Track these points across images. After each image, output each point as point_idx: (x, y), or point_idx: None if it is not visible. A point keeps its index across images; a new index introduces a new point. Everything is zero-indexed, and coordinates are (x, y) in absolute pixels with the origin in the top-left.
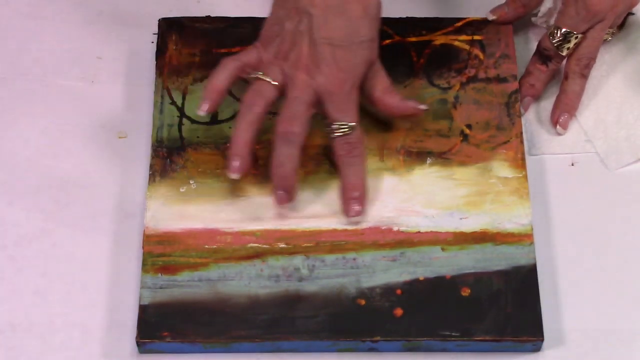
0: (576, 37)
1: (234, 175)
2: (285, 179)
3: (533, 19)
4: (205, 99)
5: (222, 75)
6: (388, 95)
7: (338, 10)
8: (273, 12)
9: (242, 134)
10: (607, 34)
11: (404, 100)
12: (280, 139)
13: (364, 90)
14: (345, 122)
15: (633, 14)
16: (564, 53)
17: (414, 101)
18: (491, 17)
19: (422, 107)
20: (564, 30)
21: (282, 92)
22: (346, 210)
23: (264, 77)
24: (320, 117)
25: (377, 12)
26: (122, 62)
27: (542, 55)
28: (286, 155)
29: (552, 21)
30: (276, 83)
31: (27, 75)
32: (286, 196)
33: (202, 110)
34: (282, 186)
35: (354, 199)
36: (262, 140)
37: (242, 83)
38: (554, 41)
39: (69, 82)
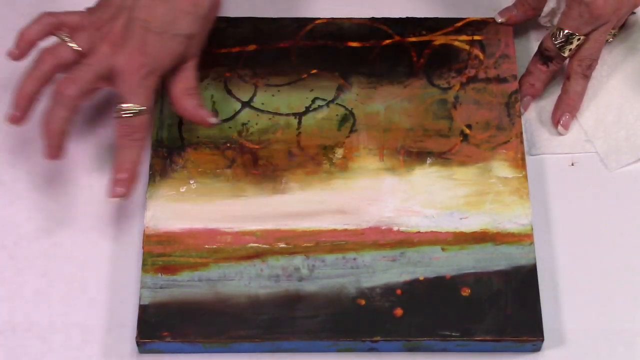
0: (578, 39)
1: (11, 124)
2: (51, 137)
3: (537, 18)
4: (15, 47)
5: (35, 27)
6: (185, 97)
7: None
8: None
9: (25, 86)
10: (609, 34)
11: (199, 107)
12: (53, 96)
13: (167, 85)
14: (131, 104)
15: (634, 13)
16: (566, 54)
17: (207, 112)
18: (499, 19)
19: (213, 120)
20: (566, 31)
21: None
22: (110, 190)
23: (68, 41)
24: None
25: (208, 12)
26: None
27: (544, 55)
28: (53, 115)
29: (555, 21)
30: (79, 49)
31: None
32: (51, 151)
33: (10, 56)
34: (48, 143)
35: (121, 180)
36: (262, 140)
37: (243, 83)
38: (556, 42)
39: None
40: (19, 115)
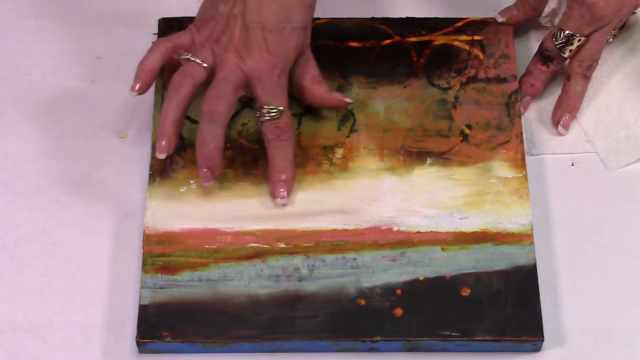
0: (579, 40)
1: (161, 155)
2: (209, 158)
3: (538, 18)
4: (137, 79)
5: (153, 55)
6: (316, 85)
7: None
8: None
9: (169, 114)
10: (609, 35)
11: (331, 91)
12: (204, 118)
13: (292, 77)
14: (274, 106)
15: (634, 13)
16: (566, 55)
17: (340, 93)
18: (500, 19)
19: (348, 100)
20: (567, 32)
21: (211, 75)
22: (273, 193)
23: (193, 59)
24: (254, 105)
25: (312, 0)
26: (122, 62)
27: (544, 55)
28: (210, 135)
29: (556, 21)
30: (206, 65)
31: (27, 75)
32: (210, 174)
33: (133, 90)
34: (206, 165)
35: (281, 182)
36: (262, 140)
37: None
38: (556, 42)
39: (69, 82)
40: (171, 146)
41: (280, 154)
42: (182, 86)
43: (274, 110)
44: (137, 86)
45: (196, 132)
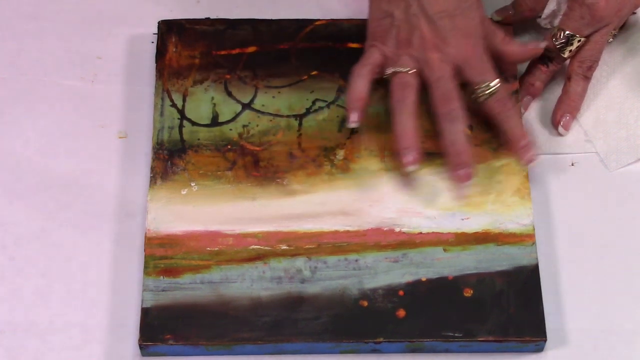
0: (579, 40)
1: (412, 167)
2: (462, 154)
3: (537, 19)
4: (352, 110)
5: (360, 82)
6: (509, 45)
7: None
8: (374, 7)
9: (408, 126)
10: (609, 35)
11: (523, 44)
12: (445, 120)
13: (486, 46)
14: (487, 82)
15: (634, 13)
16: (566, 55)
17: (532, 42)
18: (496, 18)
19: (542, 44)
20: (567, 32)
21: (420, 77)
22: (523, 159)
23: (401, 70)
24: (467, 88)
25: None
26: (122, 62)
27: (544, 55)
28: (455, 132)
29: (555, 22)
30: (414, 70)
31: (27, 75)
32: (467, 172)
33: (352, 122)
34: (461, 163)
35: (525, 146)
36: (263, 142)
37: (243, 85)
38: (556, 43)
39: (69, 82)
40: (419, 156)
41: (513, 123)
42: (406, 97)
43: (490, 86)
44: (356, 116)
45: (443, 134)
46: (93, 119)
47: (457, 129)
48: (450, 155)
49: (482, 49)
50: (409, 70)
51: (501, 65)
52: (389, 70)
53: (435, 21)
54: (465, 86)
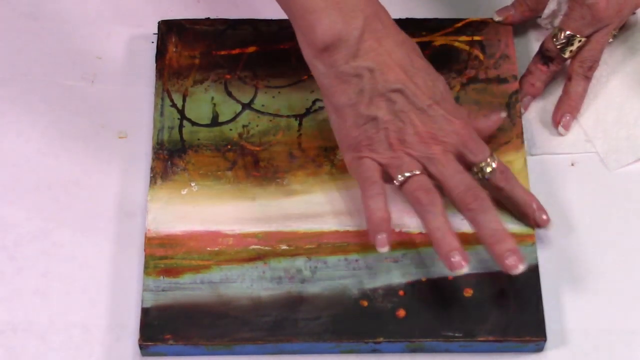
0: (579, 41)
1: (462, 270)
2: (506, 240)
3: (537, 20)
4: (381, 232)
5: (378, 202)
6: (475, 122)
7: (416, 69)
8: (347, 119)
9: (445, 230)
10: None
11: (487, 118)
12: (478, 213)
13: None
14: (487, 159)
15: (634, 13)
16: (566, 55)
17: (494, 114)
18: (497, 18)
19: (503, 114)
20: (567, 32)
21: (428, 170)
22: (540, 221)
23: (412, 173)
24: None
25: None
26: (122, 62)
27: (544, 55)
28: (491, 221)
29: (556, 22)
30: (420, 170)
31: (27, 75)
32: (517, 257)
33: (384, 246)
34: (509, 250)
35: (539, 208)
36: (263, 142)
37: (243, 85)
38: (557, 43)
39: (69, 82)
40: (466, 257)
41: (521, 190)
42: (434, 201)
43: (489, 161)
44: (386, 239)
45: (480, 227)
46: (93, 119)
47: (492, 218)
48: (494, 245)
49: (472, 127)
50: (417, 172)
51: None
52: (401, 177)
53: (425, 111)
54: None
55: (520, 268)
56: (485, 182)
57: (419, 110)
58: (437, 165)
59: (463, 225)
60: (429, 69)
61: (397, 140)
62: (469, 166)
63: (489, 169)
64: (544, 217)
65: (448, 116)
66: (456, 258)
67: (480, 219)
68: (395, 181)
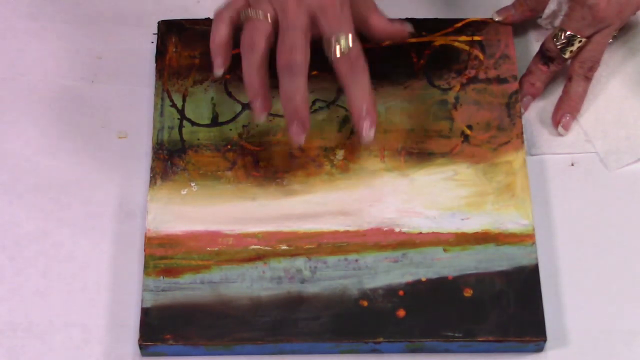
0: (580, 41)
1: (262, 116)
2: (297, 111)
3: (537, 20)
4: (216, 56)
5: (220, 27)
6: (376, 15)
7: None
8: None
9: (254, 75)
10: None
11: (391, 21)
12: (284, 72)
13: (354, 12)
14: (342, 33)
15: (634, 14)
16: (567, 56)
17: (400, 22)
18: (497, 18)
19: (408, 27)
20: (568, 33)
21: (276, 25)
22: (359, 132)
23: (254, 14)
24: (323, 43)
25: None
26: (122, 62)
27: (545, 55)
28: (294, 87)
29: (556, 23)
30: (268, 15)
31: (27, 75)
32: (302, 128)
33: (216, 68)
34: (296, 118)
35: (365, 117)
36: (263, 142)
37: (241, 84)
38: (557, 43)
39: (69, 82)
40: (268, 104)
41: (359, 87)
42: (255, 44)
43: (343, 38)
44: (219, 61)
45: (281, 88)
46: (93, 119)
47: (295, 84)
48: (286, 110)
49: (344, 3)
50: (264, 16)
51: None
52: (244, 14)
53: None
54: (322, 40)
55: (301, 139)
56: (333, 64)
57: None
58: (284, 15)
59: (464, 226)
60: None
61: None
62: (322, 38)
63: (337, 48)
64: (366, 124)
65: None
66: (257, 105)
67: (284, 79)
68: (240, 18)
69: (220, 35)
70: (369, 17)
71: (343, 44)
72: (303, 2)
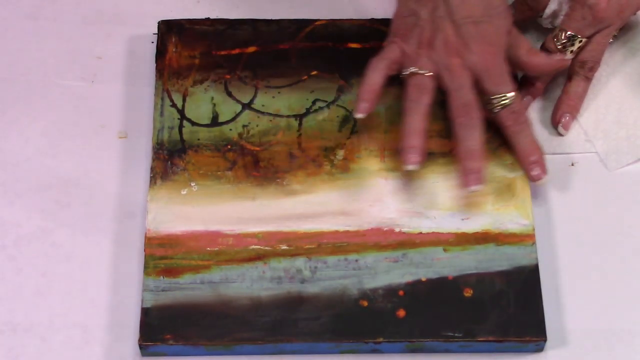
0: (580, 41)
1: (411, 167)
2: (478, 160)
3: (538, 19)
4: (363, 100)
5: (376, 75)
6: (534, 56)
7: None
8: (400, 4)
9: (418, 126)
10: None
11: (548, 56)
12: (463, 128)
13: (509, 56)
14: (504, 94)
15: (634, 14)
16: (567, 56)
17: (557, 55)
18: None
19: (568, 57)
20: (568, 33)
21: (437, 80)
22: (530, 177)
23: (419, 71)
24: (482, 98)
25: None
26: (122, 62)
27: None
28: (472, 140)
29: (556, 22)
30: (431, 74)
31: (27, 75)
32: (480, 179)
33: (360, 112)
34: (473, 169)
35: (533, 163)
36: (263, 142)
37: (243, 85)
38: (557, 43)
39: (69, 82)
40: (421, 159)
41: (524, 138)
42: (421, 99)
43: (505, 98)
44: (365, 107)
45: (460, 141)
46: (93, 119)
47: (474, 137)
48: (466, 164)
49: (503, 59)
50: (427, 73)
51: (527, 78)
52: (407, 70)
53: (461, 26)
54: (482, 95)
55: (475, 188)
56: (495, 116)
57: (454, 22)
58: (450, 75)
59: (464, 226)
60: None
61: (427, 41)
62: (483, 94)
63: (500, 104)
64: (536, 172)
65: (480, 38)
66: (412, 157)
67: (462, 133)
68: (403, 71)
69: (373, 82)
70: (529, 60)
71: (507, 102)
72: (467, 63)
